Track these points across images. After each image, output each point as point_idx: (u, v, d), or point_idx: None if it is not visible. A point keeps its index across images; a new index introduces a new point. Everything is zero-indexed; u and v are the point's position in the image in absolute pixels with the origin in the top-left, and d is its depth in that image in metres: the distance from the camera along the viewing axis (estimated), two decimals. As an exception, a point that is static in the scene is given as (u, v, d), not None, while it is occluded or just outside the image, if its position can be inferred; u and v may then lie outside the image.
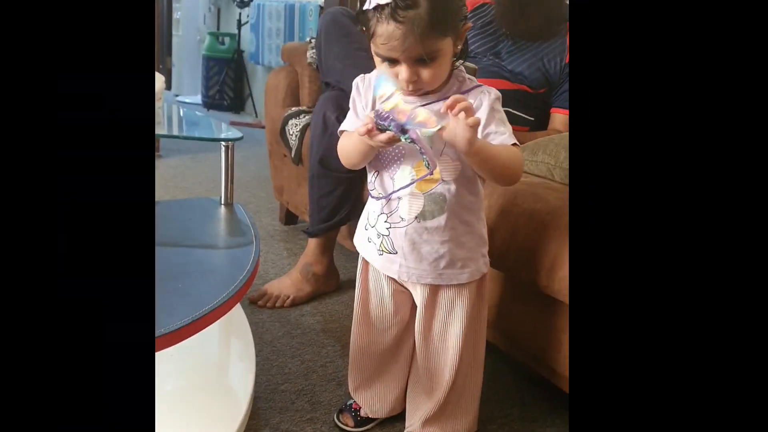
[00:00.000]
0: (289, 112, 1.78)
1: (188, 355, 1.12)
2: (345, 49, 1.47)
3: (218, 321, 0.89)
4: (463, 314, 0.95)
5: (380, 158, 0.92)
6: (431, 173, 0.84)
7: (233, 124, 3.76)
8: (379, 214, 0.94)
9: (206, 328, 0.85)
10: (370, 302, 1.02)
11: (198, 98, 4.67)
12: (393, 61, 0.83)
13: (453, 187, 0.89)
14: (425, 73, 0.83)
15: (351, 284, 1.62)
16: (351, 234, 1.47)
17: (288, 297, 1.52)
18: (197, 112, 1.85)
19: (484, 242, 0.96)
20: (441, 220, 0.90)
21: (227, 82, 4.39)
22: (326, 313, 1.50)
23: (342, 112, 1.39)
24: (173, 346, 0.79)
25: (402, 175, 0.90)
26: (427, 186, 0.89)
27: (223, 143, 1.32)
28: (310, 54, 1.83)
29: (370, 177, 0.95)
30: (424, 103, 0.87)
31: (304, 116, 1.73)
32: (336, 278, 1.63)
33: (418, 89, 0.86)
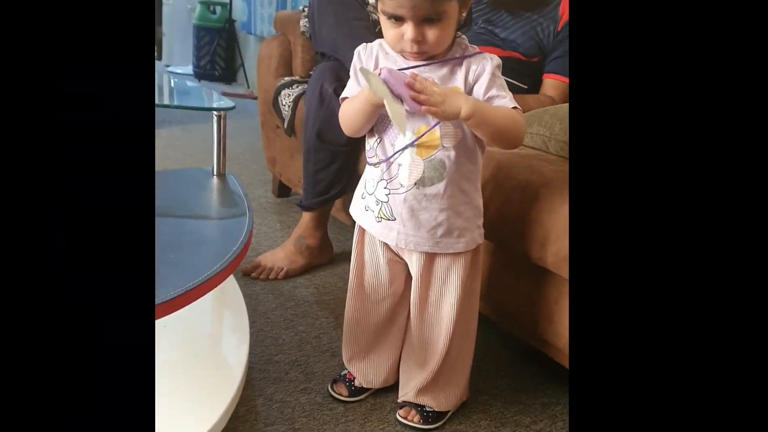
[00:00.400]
0: (282, 82, 1.75)
1: (182, 325, 1.12)
2: (340, 19, 1.44)
3: (212, 292, 0.89)
4: (457, 284, 0.96)
5: (381, 123, 0.92)
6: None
7: (225, 95, 3.71)
8: (379, 181, 0.94)
9: (200, 299, 0.85)
10: (366, 272, 1.02)
11: (189, 69, 4.61)
12: (399, 19, 0.84)
13: (453, 154, 0.89)
14: (431, 33, 0.84)
15: (345, 257, 1.62)
16: (345, 207, 1.46)
17: (281, 269, 1.52)
18: (188, 83, 1.83)
19: (480, 213, 0.96)
20: (440, 187, 0.90)
21: (218, 52, 4.33)
22: (320, 285, 1.50)
23: (340, 83, 1.37)
24: (167, 317, 0.79)
25: (402, 140, 0.90)
26: (427, 152, 0.89)
27: (215, 113, 1.30)
28: (303, 23, 1.80)
29: (371, 143, 0.95)
30: (428, 67, 0.88)
31: (297, 86, 1.70)
32: (330, 251, 1.62)
33: (423, 52, 0.86)
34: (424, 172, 0.90)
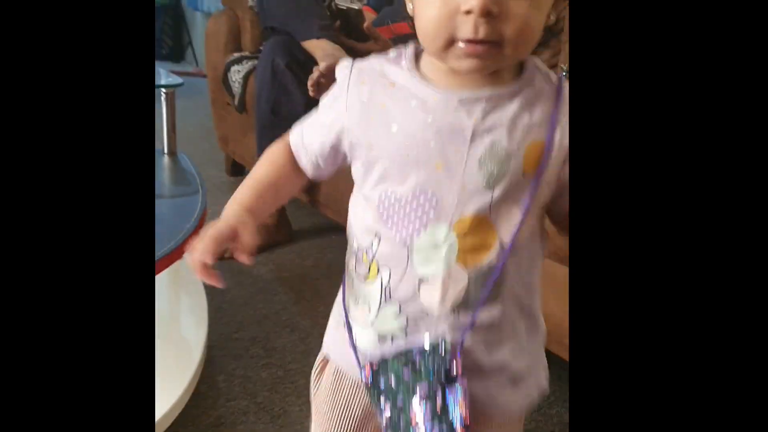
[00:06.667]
0: (232, 58, 1.72)
1: (137, 307, 1.10)
2: (288, -8, 1.42)
3: (166, 271, 0.88)
4: None
5: (383, 206, 0.52)
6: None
7: (173, 73, 3.62)
8: (381, 304, 0.54)
9: (155, 279, 0.84)
10: None
11: (134, 47, 4.48)
12: None
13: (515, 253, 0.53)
14: (515, 5, 0.44)
15: (302, 234, 1.62)
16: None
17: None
18: (134, 60, 1.78)
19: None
20: (494, 311, 0.54)
21: (165, 29, 4.20)
22: (278, 262, 1.50)
23: (293, 57, 1.36)
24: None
25: (430, 239, 0.51)
26: (475, 257, 0.52)
27: (163, 90, 1.28)
28: (251, -3, 1.77)
29: (362, 241, 0.55)
30: (483, 94, 0.49)
31: (247, 62, 1.68)
32: (288, 228, 1.62)
33: (492, 53, 0.46)
34: (468, 289, 0.52)
